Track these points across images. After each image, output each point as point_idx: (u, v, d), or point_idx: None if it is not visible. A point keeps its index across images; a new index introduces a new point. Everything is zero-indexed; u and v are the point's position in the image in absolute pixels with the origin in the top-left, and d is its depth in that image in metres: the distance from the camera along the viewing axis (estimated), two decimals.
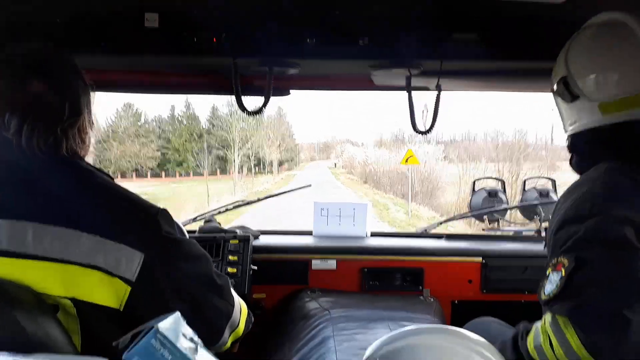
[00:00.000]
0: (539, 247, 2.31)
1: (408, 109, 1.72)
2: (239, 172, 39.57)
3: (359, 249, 2.29)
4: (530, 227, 2.59)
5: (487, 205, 2.66)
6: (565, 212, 1.21)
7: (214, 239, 2.07)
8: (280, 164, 50.83)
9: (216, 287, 1.27)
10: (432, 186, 20.49)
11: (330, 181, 32.26)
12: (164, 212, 1.19)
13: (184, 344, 0.85)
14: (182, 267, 1.19)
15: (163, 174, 44.16)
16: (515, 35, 1.58)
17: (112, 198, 1.15)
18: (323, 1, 1.54)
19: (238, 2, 1.54)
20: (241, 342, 1.51)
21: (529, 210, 2.67)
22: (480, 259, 2.23)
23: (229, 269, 1.98)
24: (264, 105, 1.71)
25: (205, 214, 2.44)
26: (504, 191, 2.79)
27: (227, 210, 2.53)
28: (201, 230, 2.20)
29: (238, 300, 1.38)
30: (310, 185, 2.95)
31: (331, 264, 2.23)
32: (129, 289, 1.09)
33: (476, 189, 2.79)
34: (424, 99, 1.81)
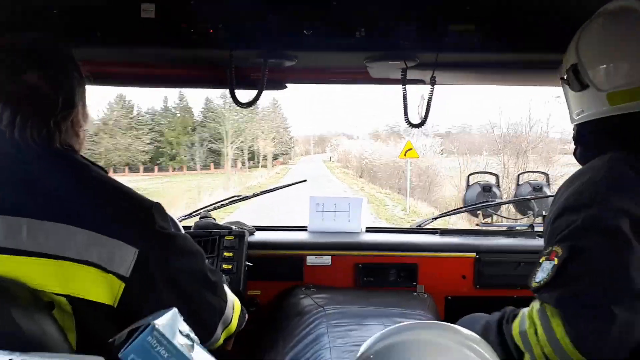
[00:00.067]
0: (532, 242, 2.33)
1: (402, 101, 1.72)
2: (232, 167, 38.84)
3: (353, 244, 2.29)
4: (523, 222, 2.60)
5: (481, 200, 2.67)
6: (566, 200, 1.21)
7: (209, 235, 2.06)
8: (275, 157, 50.09)
9: (209, 284, 1.27)
10: (431, 180, 19.84)
11: (325, 175, 31.89)
12: (158, 206, 1.19)
13: (180, 341, 0.86)
14: (176, 262, 1.18)
15: (156, 168, 43.12)
16: (512, 28, 1.58)
17: (106, 192, 1.15)
18: None
19: None
20: (236, 339, 1.51)
21: (522, 205, 2.69)
22: (474, 254, 2.24)
23: (224, 266, 1.97)
24: (257, 96, 1.70)
25: (200, 209, 2.44)
26: (498, 186, 2.80)
27: (222, 206, 2.53)
28: (196, 226, 2.20)
29: (231, 297, 1.38)
30: (305, 181, 2.95)
31: (326, 260, 2.23)
32: (123, 285, 1.09)
33: (470, 183, 2.80)
34: (421, 91, 1.81)
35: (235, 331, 1.42)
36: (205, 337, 1.26)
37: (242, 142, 40.34)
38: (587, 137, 1.37)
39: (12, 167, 1.12)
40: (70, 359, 0.91)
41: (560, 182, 1.34)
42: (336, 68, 1.98)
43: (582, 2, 1.52)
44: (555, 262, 1.14)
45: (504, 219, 2.69)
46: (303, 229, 2.47)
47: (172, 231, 1.19)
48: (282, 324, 1.90)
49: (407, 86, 1.74)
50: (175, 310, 0.90)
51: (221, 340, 1.35)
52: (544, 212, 2.60)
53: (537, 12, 1.57)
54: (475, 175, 2.99)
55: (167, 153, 42.70)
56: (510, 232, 2.47)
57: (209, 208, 2.45)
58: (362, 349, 0.97)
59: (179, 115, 46.09)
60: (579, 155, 1.39)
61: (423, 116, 1.73)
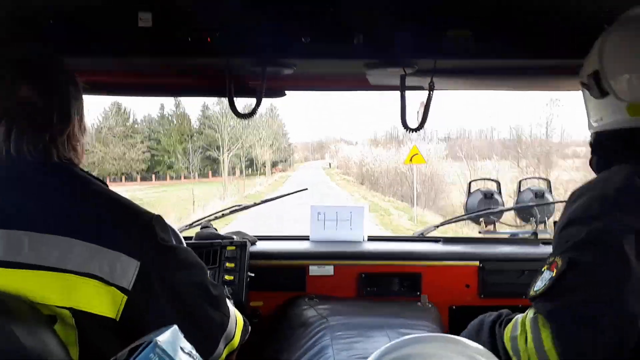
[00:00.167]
0: (536, 250, 2.32)
1: (400, 106, 1.72)
2: (230, 174, 38.32)
3: (356, 254, 2.28)
4: (526, 229, 2.59)
5: (483, 207, 2.66)
6: (574, 212, 1.19)
7: (210, 246, 2.06)
8: (274, 164, 49.75)
9: (211, 298, 1.26)
10: (436, 187, 19.00)
11: (325, 182, 31.56)
12: (159, 219, 1.18)
13: (182, 358, 0.85)
14: (177, 275, 1.18)
15: (153, 177, 42.75)
16: (509, 34, 1.57)
17: (106, 205, 1.14)
18: (317, 0, 1.54)
19: (232, 2, 1.53)
20: (238, 351, 1.50)
21: (524, 212, 2.68)
22: (477, 262, 2.23)
23: (226, 277, 1.96)
24: (257, 106, 1.70)
25: (201, 219, 2.44)
26: (500, 192, 2.79)
27: (223, 215, 2.53)
28: (198, 236, 2.19)
29: (234, 312, 1.37)
30: (306, 189, 2.94)
31: (328, 269, 2.22)
32: (125, 297, 1.08)
33: (472, 190, 2.79)
34: (420, 97, 1.81)
35: (238, 346, 1.40)
36: (207, 353, 1.25)
37: (239, 149, 39.92)
38: (603, 146, 1.34)
39: (11, 181, 1.12)
40: None
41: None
42: (335, 75, 1.98)
43: (580, 7, 1.52)
44: (554, 273, 1.14)
45: (506, 226, 2.68)
46: (305, 238, 2.46)
47: (173, 244, 1.19)
48: (286, 335, 1.89)
49: (407, 92, 1.74)
50: (175, 327, 0.89)
51: (224, 356, 1.34)
52: (546, 219, 2.60)
53: (534, 18, 1.57)
54: (477, 182, 2.99)
55: (164, 161, 42.27)
56: (513, 240, 2.46)
57: (209, 218, 2.44)
58: None
59: (175, 122, 45.62)
60: (595, 163, 1.36)
61: (420, 121, 1.73)
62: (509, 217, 2.99)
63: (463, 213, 2.72)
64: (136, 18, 1.50)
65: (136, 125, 45.44)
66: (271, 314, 2.16)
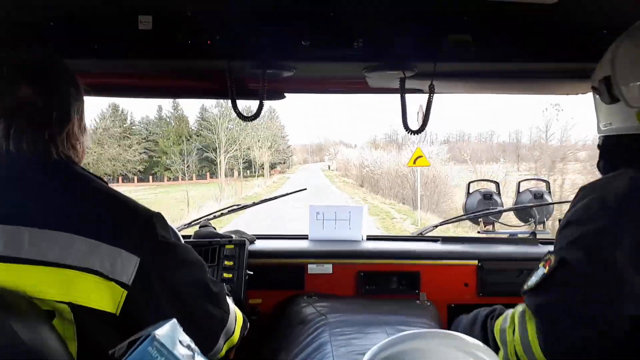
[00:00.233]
0: (534, 250, 2.32)
1: (401, 109, 1.72)
2: (228, 176, 37.86)
3: (355, 252, 2.28)
4: (525, 230, 2.59)
5: (482, 207, 2.66)
6: (574, 213, 1.22)
7: (209, 244, 2.06)
8: (273, 166, 49.29)
9: (211, 294, 1.27)
10: (439, 190, 18.27)
11: (325, 184, 31.33)
12: (159, 216, 1.19)
13: (181, 351, 0.85)
14: (177, 272, 1.19)
15: (151, 178, 42.50)
16: (509, 37, 1.58)
17: (106, 201, 1.15)
18: (317, 3, 1.54)
19: (232, 5, 1.54)
20: (237, 349, 1.50)
21: (523, 213, 2.68)
22: (476, 262, 2.23)
23: (225, 275, 1.97)
24: (259, 109, 1.70)
25: (200, 218, 2.44)
26: (499, 193, 2.80)
27: (222, 215, 2.53)
28: (196, 235, 2.19)
29: (233, 308, 1.38)
30: (305, 189, 2.94)
31: (327, 268, 2.22)
32: (125, 292, 1.09)
33: (471, 191, 2.79)
34: (419, 100, 1.81)
35: (237, 342, 1.41)
36: (207, 348, 1.26)
37: (236, 150, 39.23)
38: (611, 150, 1.36)
39: (11, 179, 1.13)
40: None
41: None
42: (335, 78, 1.99)
43: (580, 10, 1.53)
44: (546, 270, 1.19)
45: (505, 226, 2.68)
46: (304, 237, 2.46)
47: (173, 241, 1.20)
48: (284, 332, 1.89)
49: (406, 95, 1.74)
50: (174, 320, 0.89)
51: (223, 352, 1.34)
52: (545, 219, 2.61)
53: (533, 22, 1.57)
54: (475, 183, 2.99)
55: (162, 163, 41.81)
56: (512, 240, 2.47)
57: (208, 217, 2.44)
58: (365, 357, 0.96)
59: (173, 124, 45.31)
60: (602, 167, 1.37)
61: (422, 123, 1.73)
62: (508, 217, 2.99)
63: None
64: (136, 21, 1.50)
65: (134, 127, 45.13)
66: (270, 312, 2.17)
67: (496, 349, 1.26)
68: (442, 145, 25.22)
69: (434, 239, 2.46)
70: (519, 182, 2.86)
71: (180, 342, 0.87)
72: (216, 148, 37.73)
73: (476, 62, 1.62)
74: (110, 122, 40.03)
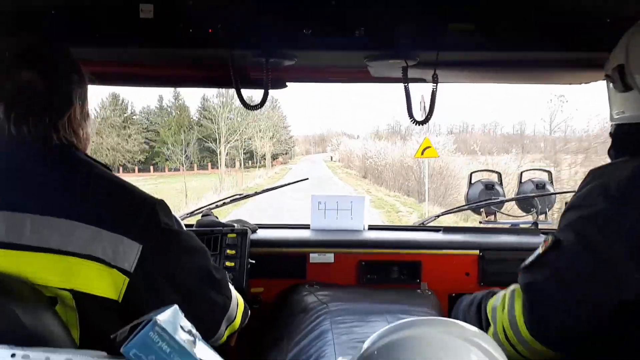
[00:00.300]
0: (536, 240, 2.31)
1: (405, 100, 1.72)
2: (229, 167, 37.44)
3: (356, 242, 2.29)
4: (527, 220, 2.59)
5: (484, 197, 2.66)
6: (577, 198, 1.24)
7: (211, 233, 2.06)
8: (274, 157, 49.03)
9: (214, 281, 1.27)
10: (446, 182, 17.62)
11: (327, 175, 31.00)
12: (162, 203, 1.19)
13: (182, 337, 0.86)
14: (180, 259, 1.19)
15: (152, 168, 42.19)
16: (511, 26, 1.57)
17: (109, 189, 1.15)
18: None
19: None
20: (239, 336, 1.51)
21: (525, 203, 2.68)
22: (477, 251, 2.23)
23: (227, 263, 1.97)
24: (264, 98, 1.70)
25: (202, 207, 2.44)
26: (501, 183, 2.79)
27: (224, 204, 2.53)
28: (199, 224, 2.19)
29: (235, 294, 1.39)
30: (307, 179, 2.94)
31: (329, 257, 2.23)
32: (127, 280, 1.09)
33: (473, 181, 2.79)
34: (421, 90, 1.80)
35: (239, 328, 1.42)
36: (209, 334, 1.27)
37: (237, 140, 38.64)
38: (622, 138, 1.35)
39: (13, 164, 1.13)
40: (72, 354, 0.91)
41: None
42: (336, 67, 1.98)
43: (582, 0, 1.52)
44: (541, 250, 1.24)
45: (507, 216, 2.68)
46: (306, 227, 2.46)
47: (176, 228, 1.20)
48: (286, 320, 1.90)
49: (408, 85, 1.74)
50: (176, 306, 0.90)
51: (225, 337, 1.35)
52: (547, 210, 2.60)
53: (537, 10, 1.56)
54: (478, 173, 2.98)
55: (163, 153, 41.23)
56: (513, 230, 2.47)
57: (211, 206, 2.45)
58: (365, 345, 0.97)
59: (174, 114, 44.79)
60: (613, 154, 1.37)
61: (427, 114, 1.72)
62: (510, 207, 2.99)
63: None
64: (138, 9, 1.50)
65: (135, 117, 44.74)
66: (272, 301, 2.18)
67: (487, 327, 1.30)
68: (449, 135, 24.84)
69: (436, 229, 2.46)
70: (521, 172, 2.86)
71: (181, 327, 0.87)
72: (216, 138, 37.42)
73: (479, 51, 1.60)
74: (110, 112, 39.80)
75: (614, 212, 1.14)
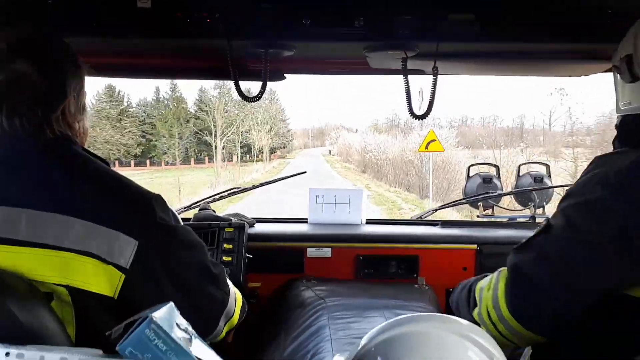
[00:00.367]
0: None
1: (405, 92, 1.70)
2: (226, 160, 36.89)
3: (354, 236, 2.29)
4: (524, 214, 2.59)
5: (482, 191, 2.66)
6: (576, 185, 1.23)
7: (208, 227, 2.05)
8: (272, 151, 48.40)
9: (212, 276, 1.27)
10: (450, 177, 17.03)
11: (326, 170, 30.72)
12: (159, 198, 1.18)
13: (178, 334, 0.85)
14: (177, 254, 1.18)
15: (148, 162, 41.52)
16: (512, 17, 1.55)
17: (105, 184, 1.14)
18: None
19: None
20: (236, 332, 1.51)
21: (523, 196, 2.68)
22: (474, 246, 2.23)
23: (224, 258, 1.97)
24: (262, 88, 1.68)
25: (199, 201, 2.44)
26: (499, 177, 2.79)
27: (222, 197, 2.52)
28: (196, 218, 2.19)
29: (233, 289, 1.38)
30: (305, 172, 2.94)
31: (326, 251, 2.23)
32: (123, 276, 1.08)
33: (470, 174, 2.79)
34: (419, 83, 1.79)
35: (237, 324, 1.41)
36: (208, 330, 1.26)
37: (233, 133, 38.06)
38: (628, 129, 1.33)
39: (8, 158, 1.12)
40: (68, 351, 0.90)
41: None
42: (335, 58, 1.96)
43: None
44: (533, 233, 1.25)
45: (504, 210, 2.68)
46: (303, 221, 2.46)
47: (172, 223, 1.19)
48: (284, 315, 1.90)
49: (408, 77, 1.72)
50: (171, 304, 0.89)
51: (224, 333, 1.35)
52: (544, 203, 2.60)
53: (537, 1, 1.54)
54: (476, 167, 2.98)
55: (159, 146, 40.80)
56: (511, 224, 2.47)
57: (208, 200, 2.44)
58: (363, 341, 0.96)
59: (171, 106, 44.19)
60: (617, 145, 1.36)
61: (427, 107, 1.71)
62: (508, 201, 2.99)
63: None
64: None
65: (131, 109, 44.18)
66: (269, 295, 2.17)
67: (474, 307, 1.31)
68: (451, 129, 24.54)
69: (433, 223, 2.46)
70: (519, 166, 2.85)
71: (177, 325, 0.86)
72: (212, 131, 36.94)
73: (480, 42, 1.59)
74: (107, 104, 39.40)
75: (611, 201, 1.13)
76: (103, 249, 1.07)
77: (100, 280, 1.07)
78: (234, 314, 1.37)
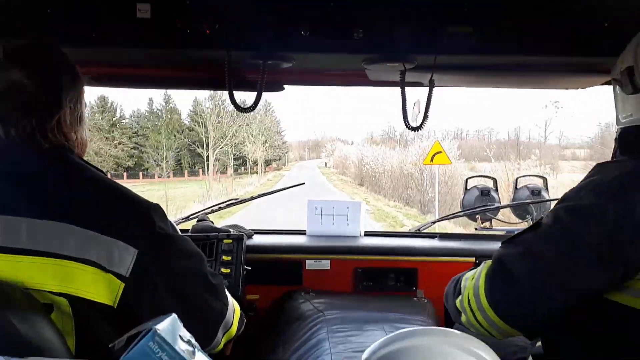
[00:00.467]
0: None
1: (401, 104, 1.71)
2: (219, 173, 36.37)
3: (352, 248, 2.28)
4: (522, 227, 2.59)
5: (480, 204, 2.66)
6: (571, 190, 1.24)
7: (207, 238, 2.04)
8: (267, 163, 47.99)
9: (210, 287, 1.26)
10: (453, 192, 16.09)
11: (322, 183, 30.17)
12: (157, 207, 1.18)
13: (181, 347, 0.84)
14: (176, 264, 1.18)
15: (141, 174, 41.11)
16: (510, 30, 1.56)
17: (104, 192, 1.14)
18: None
19: None
20: (235, 344, 1.50)
21: (521, 209, 2.68)
22: (473, 259, 2.23)
23: (223, 270, 1.96)
24: (257, 99, 1.69)
25: (197, 212, 2.43)
26: (497, 190, 2.80)
27: (220, 209, 2.52)
28: (194, 229, 2.18)
29: (232, 301, 1.37)
30: (304, 183, 2.94)
31: (325, 264, 2.22)
32: (122, 285, 1.08)
33: (468, 187, 2.79)
34: (416, 95, 1.80)
35: (235, 335, 1.40)
36: (206, 342, 1.25)
37: (226, 145, 37.61)
38: (627, 141, 1.33)
39: (7, 167, 1.11)
40: None
41: None
42: (334, 70, 1.97)
43: (580, 4, 1.52)
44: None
45: (502, 223, 2.68)
46: (302, 232, 2.46)
47: (171, 232, 1.19)
48: (282, 328, 1.89)
49: (405, 89, 1.73)
50: (174, 315, 0.88)
51: (222, 345, 1.34)
52: (542, 216, 2.60)
53: (536, 14, 1.56)
54: (474, 179, 2.98)
55: (152, 158, 39.68)
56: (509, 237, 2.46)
57: (206, 211, 2.44)
58: (364, 356, 0.96)
59: (164, 118, 43.76)
60: (617, 156, 1.36)
61: (421, 119, 1.72)
62: (509, 215, 2.99)
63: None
64: (134, 9, 1.49)
65: (124, 121, 43.76)
66: (268, 308, 2.16)
67: (458, 296, 1.32)
68: (453, 141, 24.23)
69: (432, 235, 2.46)
70: (517, 179, 2.86)
71: (180, 337, 0.86)
72: (204, 143, 36.41)
73: (477, 54, 1.60)
74: (99, 116, 39.17)
75: (603, 207, 1.14)
76: (103, 257, 1.06)
77: (100, 288, 1.07)
78: (232, 325, 1.36)
